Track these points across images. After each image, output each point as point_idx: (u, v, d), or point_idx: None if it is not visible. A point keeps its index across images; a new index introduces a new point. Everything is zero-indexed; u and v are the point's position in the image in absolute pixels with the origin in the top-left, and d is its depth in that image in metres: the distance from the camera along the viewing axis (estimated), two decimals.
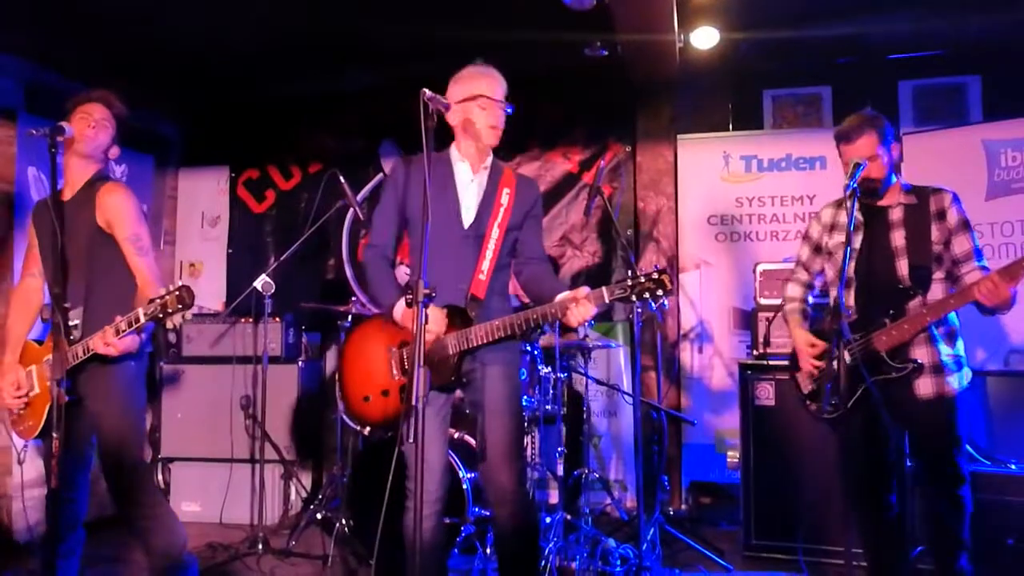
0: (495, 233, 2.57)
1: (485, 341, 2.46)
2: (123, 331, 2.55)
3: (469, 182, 2.63)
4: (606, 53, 4.62)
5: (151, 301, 2.50)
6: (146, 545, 2.77)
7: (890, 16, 4.43)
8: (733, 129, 5.21)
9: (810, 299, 3.12)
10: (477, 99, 2.56)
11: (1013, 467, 3.52)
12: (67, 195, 2.82)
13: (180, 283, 2.49)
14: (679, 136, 5.18)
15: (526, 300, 3.14)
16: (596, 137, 5.29)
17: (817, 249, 3.05)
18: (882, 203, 2.88)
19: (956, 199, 2.83)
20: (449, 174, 2.63)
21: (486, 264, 2.55)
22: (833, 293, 2.96)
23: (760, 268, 4.17)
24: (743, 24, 4.50)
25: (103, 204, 2.77)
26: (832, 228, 3.00)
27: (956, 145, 4.38)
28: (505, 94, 2.63)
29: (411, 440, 1.94)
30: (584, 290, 2.38)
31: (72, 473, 2.73)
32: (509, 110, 2.61)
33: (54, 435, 2.40)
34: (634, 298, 2.35)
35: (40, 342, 2.84)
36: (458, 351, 2.48)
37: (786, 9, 4.37)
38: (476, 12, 4.13)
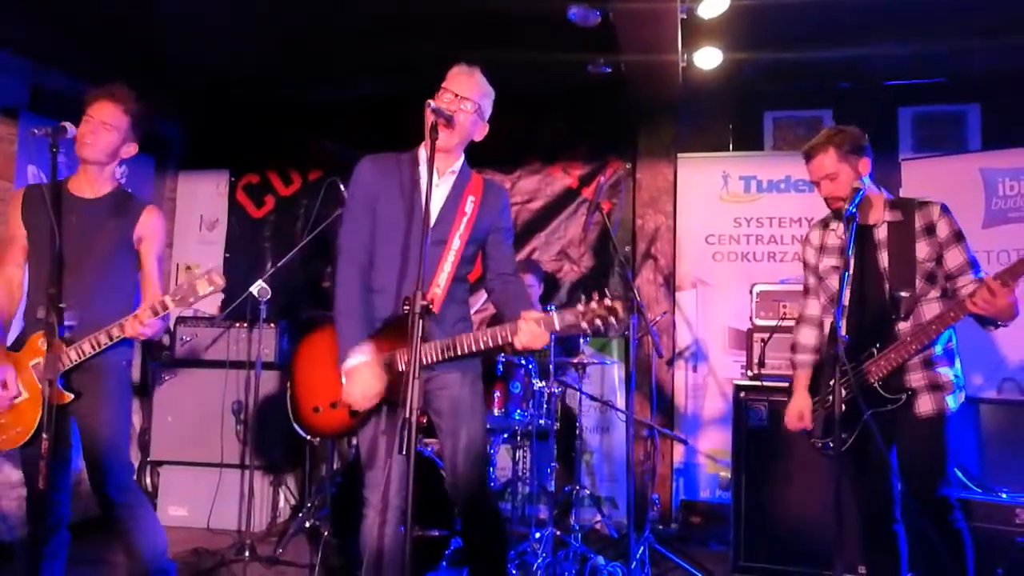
0: (455, 244, 2.46)
1: (435, 360, 2.37)
2: (158, 313, 2.65)
3: (434, 186, 2.41)
4: (609, 71, 4.64)
5: (178, 286, 2.63)
6: (128, 547, 2.77)
7: (891, 43, 4.47)
8: (733, 149, 5.23)
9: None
10: (442, 94, 2.46)
11: (1004, 496, 3.51)
12: (86, 192, 2.82)
13: (209, 266, 2.67)
14: (679, 155, 5.19)
15: None
16: (597, 153, 5.30)
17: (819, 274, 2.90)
18: (867, 222, 2.71)
19: (945, 209, 2.65)
20: (415, 175, 2.51)
21: (443, 277, 2.45)
22: (828, 319, 2.83)
23: (757, 289, 4.17)
24: (746, 45, 4.53)
25: (145, 222, 2.86)
26: (821, 249, 2.87)
27: (954, 173, 4.40)
28: (482, 93, 2.50)
29: (402, 452, 1.93)
30: (535, 313, 2.28)
31: (57, 474, 2.69)
32: (473, 110, 2.46)
33: (43, 436, 2.39)
34: (584, 325, 2.23)
35: (15, 348, 2.73)
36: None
37: (789, 32, 4.40)
38: (482, 28, 4.15)
